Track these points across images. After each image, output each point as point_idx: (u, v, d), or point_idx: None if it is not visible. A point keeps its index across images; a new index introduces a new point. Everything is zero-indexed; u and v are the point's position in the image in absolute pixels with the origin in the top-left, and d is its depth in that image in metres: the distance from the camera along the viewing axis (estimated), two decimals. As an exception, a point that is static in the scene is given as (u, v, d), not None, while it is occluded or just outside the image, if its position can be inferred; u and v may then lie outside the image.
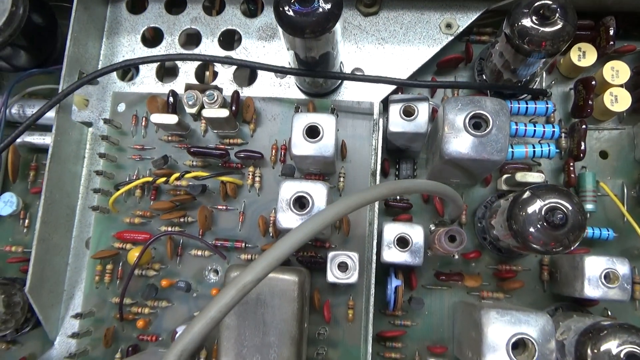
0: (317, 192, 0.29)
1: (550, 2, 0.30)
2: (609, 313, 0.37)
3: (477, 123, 0.30)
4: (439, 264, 0.38)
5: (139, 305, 0.37)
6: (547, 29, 0.30)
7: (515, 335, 0.28)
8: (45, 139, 0.41)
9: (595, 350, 0.28)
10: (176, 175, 0.35)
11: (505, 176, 0.38)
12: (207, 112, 0.35)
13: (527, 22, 0.31)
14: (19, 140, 0.42)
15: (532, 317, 0.29)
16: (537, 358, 0.28)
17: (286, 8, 0.28)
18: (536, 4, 0.30)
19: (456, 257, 0.37)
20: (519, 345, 0.29)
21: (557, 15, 0.30)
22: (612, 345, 0.28)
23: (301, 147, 0.31)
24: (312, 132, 0.31)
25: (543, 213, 0.29)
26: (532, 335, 0.28)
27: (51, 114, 0.40)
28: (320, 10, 0.28)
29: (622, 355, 0.27)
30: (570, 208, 0.29)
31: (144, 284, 0.37)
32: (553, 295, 0.37)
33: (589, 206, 0.37)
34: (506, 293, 0.38)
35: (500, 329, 0.29)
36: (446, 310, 0.38)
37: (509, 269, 0.37)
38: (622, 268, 0.32)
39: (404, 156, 0.40)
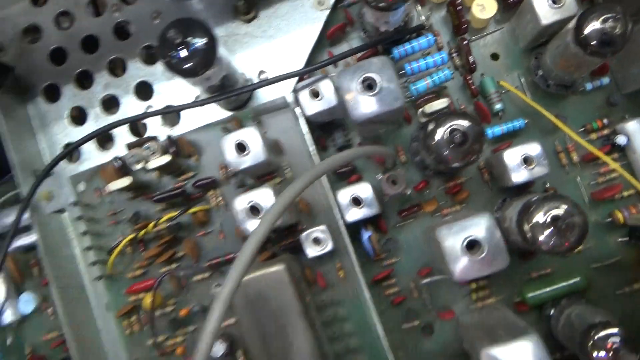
0: (264, 196, 0.34)
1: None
2: (547, 185, 0.42)
3: (369, 84, 0.35)
4: (399, 204, 0.44)
5: (172, 338, 0.42)
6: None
7: (465, 239, 0.34)
8: (31, 237, 0.46)
9: (529, 224, 0.33)
10: (152, 224, 0.40)
11: (420, 110, 0.43)
12: (152, 164, 0.39)
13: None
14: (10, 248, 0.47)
15: (475, 220, 0.34)
16: (488, 250, 0.34)
17: (169, 59, 0.32)
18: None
19: (408, 192, 0.42)
20: (472, 246, 0.34)
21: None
22: (540, 216, 0.33)
23: (237, 163, 0.36)
24: (241, 148, 0.36)
25: (446, 137, 0.34)
26: (479, 235, 0.34)
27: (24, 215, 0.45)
28: (199, 47, 0.32)
29: (548, 220, 0.33)
30: (466, 124, 0.34)
31: (167, 319, 0.42)
32: (499, 190, 0.43)
33: (497, 106, 0.42)
34: (462, 204, 0.43)
35: (453, 239, 0.34)
36: (420, 239, 0.43)
37: (455, 184, 0.43)
38: (534, 149, 0.37)
39: (333, 127, 0.44)
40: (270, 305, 0.36)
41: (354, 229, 0.42)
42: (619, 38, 0.34)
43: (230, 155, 0.36)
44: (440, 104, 0.40)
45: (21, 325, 0.47)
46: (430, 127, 0.35)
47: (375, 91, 0.34)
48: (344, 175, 0.43)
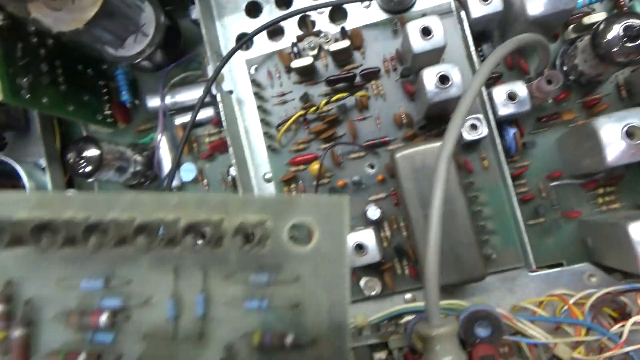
0: (451, 69, 0.39)
1: None
2: (683, 105, 0.46)
3: (549, -16, 0.39)
4: (537, 112, 0.48)
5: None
6: None
7: (626, 125, 0.38)
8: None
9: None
10: (324, 101, 0.45)
11: (571, 26, 0.47)
12: (334, 46, 0.44)
13: None
14: (178, 122, 0.53)
15: (633, 112, 0.38)
16: (647, 135, 0.38)
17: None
18: None
19: (550, 100, 0.46)
20: (629, 133, 0.38)
21: None
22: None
23: (420, 45, 0.40)
24: (425, 32, 0.40)
25: (621, 33, 0.38)
26: (638, 123, 0.38)
27: (199, 94, 0.50)
28: None
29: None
30: (638, 22, 0.38)
31: (323, 189, 0.48)
32: (634, 105, 0.46)
33: (646, 27, 0.46)
34: (596, 116, 0.47)
35: (612, 126, 0.38)
36: (553, 146, 0.48)
37: (594, 98, 0.47)
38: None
39: (482, 38, 0.49)
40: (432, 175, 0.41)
41: (499, 127, 0.46)
42: None
43: (415, 38, 0.40)
44: (598, 16, 0.44)
45: (179, 191, 0.53)
46: (604, 24, 0.39)
47: (557, -12, 0.38)
48: (493, 79, 0.48)
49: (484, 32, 0.48)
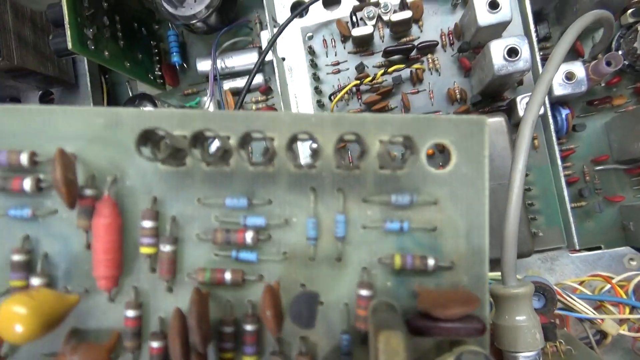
0: (519, 41, 0.39)
1: None
2: None
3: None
4: (586, 97, 0.48)
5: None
6: None
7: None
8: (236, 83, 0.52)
9: None
10: (381, 71, 0.45)
11: (630, 10, 0.47)
12: (396, 16, 0.44)
13: None
14: (226, 87, 0.53)
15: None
16: None
17: None
18: None
19: (602, 84, 0.47)
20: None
21: None
22: None
23: (487, 18, 0.40)
24: (494, 5, 0.40)
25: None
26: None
27: (249, 60, 0.51)
28: None
29: None
30: None
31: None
32: (684, 96, 0.47)
33: None
34: (646, 104, 0.47)
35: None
36: (600, 130, 0.48)
37: (646, 84, 0.47)
38: None
39: (537, 18, 0.49)
40: (490, 148, 0.41)
41: (552, 106, 0.46)
42: None
43: (481, 11, 0.40)
44: (661, 0, 0.44)
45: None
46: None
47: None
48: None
49: (540, 13, 0.49)
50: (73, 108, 0.25)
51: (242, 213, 0.25)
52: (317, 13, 0.50)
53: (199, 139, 0.23)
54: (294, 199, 0.25)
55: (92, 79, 0.52)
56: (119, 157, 0.25)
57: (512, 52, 0.39)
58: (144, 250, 0.25)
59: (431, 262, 0.24)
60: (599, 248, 0.47)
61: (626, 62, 0.47)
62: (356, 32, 0.45)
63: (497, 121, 0.42)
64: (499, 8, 0.40)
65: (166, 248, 0.25)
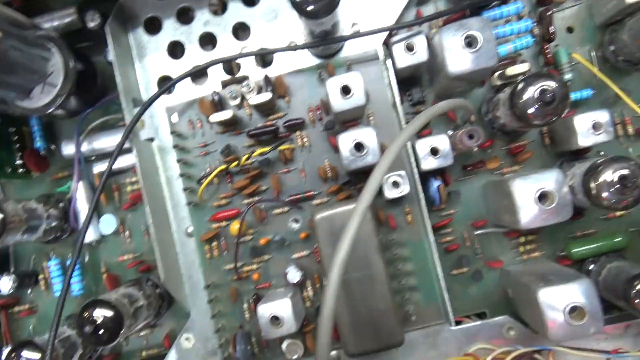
0: (368, 135, 0.38)
1: None
2: (602, 153, 0.46)
3: (469, 42, 0.38)
4: (463, 159, 0.48)
5: (248, 265, 0.46)
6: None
7: (538, 190, 0.38)
8: (119, 162, 0.49)
9: (597, 182, 0.38)
10: (246, 156, 0.43)
11: (497, 73, 0.46)
12: (254, 100, 0.42)
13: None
14: (95, 171, 0.50)
15: (547, 174, 0.38)
16: (558, 202, 0.38)
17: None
18: None
19: (475, 149, 0.46)
20: (542, 197, 0.38)
21: None
22: (608, 175, 0.37)
23: (340, 104, 0.39)
24: (346, 90, 0.39)
25: (536, 96, 0.37)
26: (551, 187, 0.38)
27: (113, 142, 0.48)
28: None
29: (616, 179, 0.37)
30: (555, 85, 0.37)
31: (245, 247, 0.46)
32: (556, 154, 0.47)
33: (567, 76, 0.46)
34: (520, 164, 0.47)
35: (526, 190, 0.38)
36: (479, 193, 0.48)
37: (518, 145, 0.47)
38: (604, 116, 0.41)
39: (411, 82, 0.48)
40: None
41: (424, 178, 0.46)
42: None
43: (334, 96, 0.39)
44: (521, 67, 0.43)
45: (98, 245, 0.50)
46: (520, 86, 0.38)
47: (476, 49, 0.38)
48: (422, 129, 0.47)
49: (413, 77, 0.48)
50: None
51: None
52: (185, 89, 0.47)
53: None
54: None
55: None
56: None
57: (360, 147, 0.38)
58: None
59: None
60: (484, 314, 0.47)
61: (495, 126, 0.46)
62: (214, 117, 0.43)
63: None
64: (351, 94, 0.39)
65: None
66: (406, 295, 0.46)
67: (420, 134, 0.47)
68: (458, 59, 0.38)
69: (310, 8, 0.35)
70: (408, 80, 0.47)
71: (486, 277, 0.47)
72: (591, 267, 0.46)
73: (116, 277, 0.50)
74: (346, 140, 0.38)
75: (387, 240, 0.45)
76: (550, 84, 0.38)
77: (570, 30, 0.47)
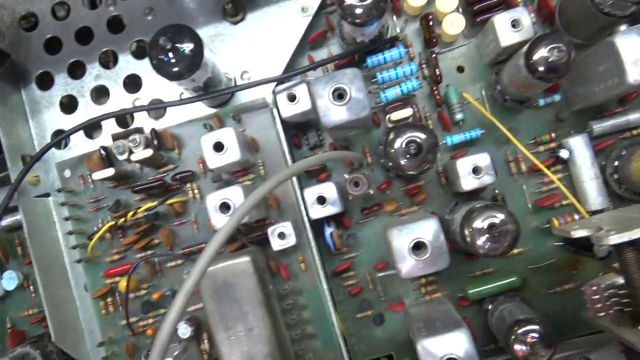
0: (235, 194, 0.37)
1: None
2: (497, 191, 0.46)
3: (339, 94, 0.38)
4: (362, 202, 0.47)
5: (143, 320, 0.46)
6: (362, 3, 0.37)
7: (412, 241, 0.38)
8: (17, 218, 0.48)
9: (470, 230, 0.37)
10: (131, 212, 0.43)
11: (387, 116, 0.46)
12: (135, 156, 0.42)
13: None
14: (-4, 227, 0.49)
15: (423, 223, 0.38)
16: (431, 252, 0.37)
17: (158, 62, 0.35)
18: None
19: (371, 192, 0.46)
20: (419, 246, 0.38)
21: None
22: (479, 223, 0.37)
23: (214, 161, 0.39)
24: (218, 147, 0.39)
25: (403, 148, 0.37)
26: (425, 237, 0.38)
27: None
28: (187, 52, 0.35)
29: (485, 227, 0.37)
30: (422, 137, 0.37)
31: (140, 302, 0.46)
32: (453, 194, 0.47)
33: (458, 116, 0.46)
34: (419, 205, 0.47)
35: (401, 240, 0.38)
36: (379, 235, 0.47)
37: (415, 186, 0.47)
38: (484, 160, 0.41)
39: (308, 126, 0.48)
40: (234, 293, 0.40)
41: (319, 223, 0.45)
42: (563, 66, 0.37)
43: (208, 153, 0.39)
44: (404, 113, 0.43)
45: (3, 300, 0.50)
46: (390, 136, 0.38)
47: (345, 101, 0.38)
48: (315, 173, 0.47)
49: (309, 121, 0.47)
50: None
51: None
52: (79, 142, 0.47)
53: None
54: None
55: None
56: None
57: (225, 206, 0.38)
58: None
59: None
60: (391, 356, 0.47)
61: (389, 168, 0.46)
62: (97, 175, 0.43)
63: (242, 262, 0.40)
64: (225, 150, 0.39)
65: None
66: (303, 345, 0.45)
67: (319, 177, 0.47)
68: (329, 111, 0.38)
69: (174, 70, 0.35)
70: (304, 124, 0.47)
71: (390, 319, 0.47)
72: (489, 306, 0.45)
73: (22, 332, 0.49)
74: (213, 200, 0.37)
75: (280, 290, 0.45)
76: (418, 135, 0.38)
77: (460, 69, 0.47)
